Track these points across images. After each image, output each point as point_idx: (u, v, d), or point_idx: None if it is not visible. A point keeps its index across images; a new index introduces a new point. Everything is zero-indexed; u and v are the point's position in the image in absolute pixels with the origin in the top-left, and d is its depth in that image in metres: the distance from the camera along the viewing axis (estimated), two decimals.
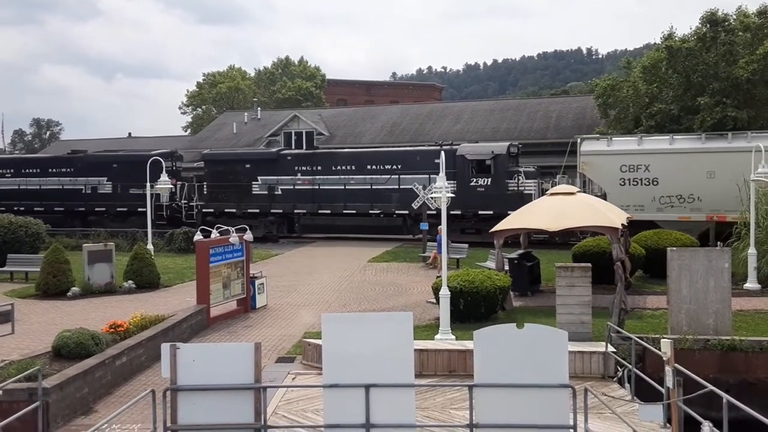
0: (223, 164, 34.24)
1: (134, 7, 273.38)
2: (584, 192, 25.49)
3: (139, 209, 33.34)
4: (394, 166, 30.77)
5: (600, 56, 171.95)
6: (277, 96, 63.77)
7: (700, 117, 28.04)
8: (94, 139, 57.37)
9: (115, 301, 18.47)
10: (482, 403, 7.44)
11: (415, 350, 9.02)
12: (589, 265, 13.49)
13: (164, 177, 23.35)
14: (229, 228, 17.16)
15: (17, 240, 24.14)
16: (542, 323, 9.03)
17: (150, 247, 22.47)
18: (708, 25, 29.44)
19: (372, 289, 19.96)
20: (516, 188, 28.36)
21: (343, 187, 31.32)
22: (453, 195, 28.37)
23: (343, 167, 31.68)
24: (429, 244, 25.02)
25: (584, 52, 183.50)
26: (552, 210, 16.22)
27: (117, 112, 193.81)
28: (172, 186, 34.62)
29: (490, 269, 16.90)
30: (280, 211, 32.50)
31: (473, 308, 14.65)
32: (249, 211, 32.74)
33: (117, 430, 9.76)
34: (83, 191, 36.21)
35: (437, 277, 16.72)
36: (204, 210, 33.96)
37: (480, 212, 28.63)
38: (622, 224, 16.05)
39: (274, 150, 35.28)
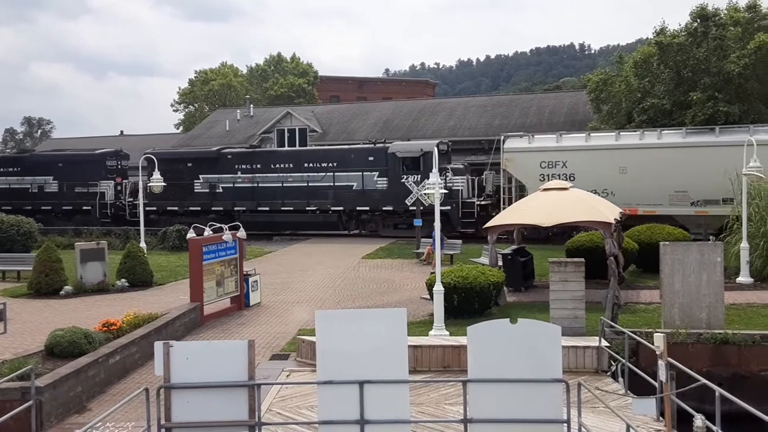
0: (166, 163, 34.43)
1: (124, 4, 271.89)
2: (507, 187, 28.35)
3: (84, 207, 34.98)
4: (330, 164, 31.80)
5: (592, 51, 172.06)
6: (269, 93, 63.58)
7: (692, 112, 28.14)
8: (86, 137, 57.10)
9: (108, 299, 18.41)
10: (476, 399, 7.45)
11: (410, 346, 9.03)
12: (583, 260, 13.54)
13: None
14: (223, 226, 17.13)
15: (9, 239, 24.05)
16: (536, 318, 9.06)
17: (143, 245, 22.42)
18: (698, 20, 29.51)
19: (366, 286, 19.96)
20: (444, 185, 28.88)
21: (281, 185, 32.33)
22: (385, 190, 30.46)
23: (282, 165, 32.70)
24: (423, 240, 25.03)
25: (577, 47, 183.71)
26: (545, 205, 16.25)
27: (109, 111, 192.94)
28: (117, 184, 35.63)
29: (483, 265, 16.92)
30: (221, 208, 32.98)
31: (467, 304, 14.67)
32: (191, 209, 33.46)
33: (111, 428, 9.74)
34: (30, 190, 36.64)
35: (431, 273, 16.73)
36: (147, 208, 34.32)
37: (411, 208, 29.43)
38: (615, 219, 16.09)
39: (214, 149, 35.99)
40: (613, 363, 11.66)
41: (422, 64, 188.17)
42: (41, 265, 19.21)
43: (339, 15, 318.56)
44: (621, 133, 27.46)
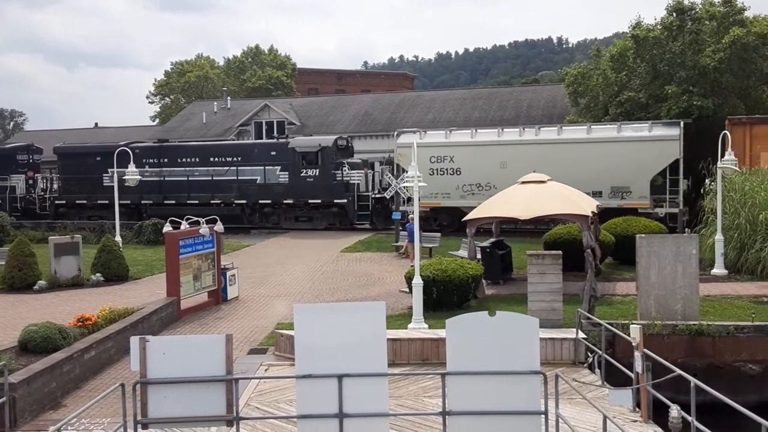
0: (75, 157, 35.83)
1: None
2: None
3: None
4: (234, 159, 32.69)
5: (570, 45, 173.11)
6: (247, 85, 63.06)
7: (666, 105, 28.42)
8: (59, 129, 56.30)
9: (82, 294, 18.18)
10: (455, 391, 7.46)
11: (388, 339, 9.01)
12: (560, 252, 13.61)
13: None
14: (200, 219, 16.98)
15: None
16: (514, 311, 9.10)
17: (118, 239, 22.18)
18: (674, 14, 29.78)
19: (345, 279, 19.92)
20: (341, 178, 30.85)
21: (186, 179, 33.12)
22: (286, 184, 31.35)
23: (188, 160, 33.57)
24: (402, 233, 25.05)
25: (555, 41, 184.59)
26: (524, 198, 16.32)
27: (82, 102, 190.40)
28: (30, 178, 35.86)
29: (462, 258, 16.96)
30: (129, 202, 33.24)
31: (446, 297, 14.70)
32: (99, 202, 33.98)
33: (86, 424, 9.62)
34: None
35: (410, 266, 16.74)
36: (57, 202, 35.73)
37: (310, 201, 31.15)
38: (592, 212, 16.21)
39: (122, 143, 36.03)
40: (590, 354, 11.76)
41: (401, 56, 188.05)
42: (14, 260, 18.91)
43: (314, 6, 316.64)
44: (504, 130, 28.79)
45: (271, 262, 23.39)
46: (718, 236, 17.92)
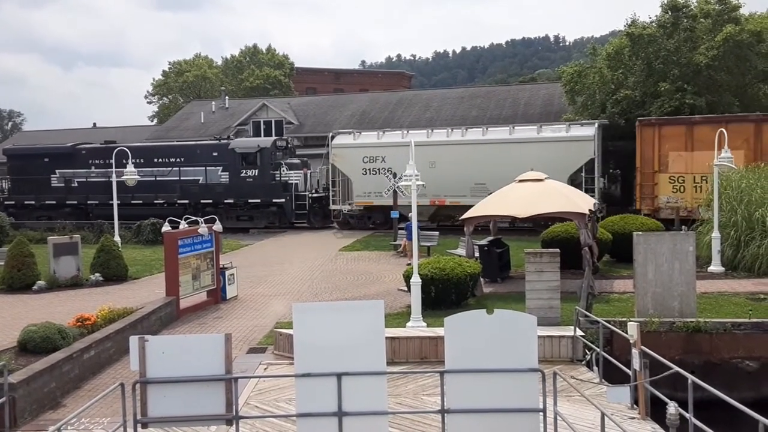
0: (23, 159, 36.54)
1: None
2: (336, 180, 30.66)
3: None
4: (178, 160, 33.30)
5: (567, 43, 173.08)
6: (245, 84, 63.04)
7: (659, 102, 28.48)
8: (57, 129, 56.24)
9: (81, 294, 18.19)
10: (453, 389, 7.50)
11: (387, 338, 9.05)
12: (558, 250, 13.66)
13: None
14: (198, 219, 17.00)
15: None
16: (512, 309, 9.13)
17: (117, 239, 22.17)
18: (669, 12, 29.82)
19: (343, 278, 19.95)
20: (280, 179, 31.64)
21: None
22: (227, 184, 32.16)
23: (133, 160, 33.51)
24: (399, 232, 25.08)
25: (552, 39, 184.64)
26: (521, 197, 16.35)
27: (80, 102, 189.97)
28: None
29: (460, 256, 16.99)
30: (76, 202, 34.42)
31: (444, 295, 14.74)
32: (47, 202, 34.78)
33: (86, 424, 9.64)
34: None
35: (408, 265, 16.77)
36: (6, 202, 36.33)
37: (250, 200, 31.89)
38: (590, 210, 16.25)
39: (69, 145, 37.10)
40: (587, 352, 11.80)
41: (398, 55, 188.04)
42: (13, 260, 18.90)
43: (310, 5, 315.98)
44: (433, 131, 30.02)
45: (270, 262, 23.41)
46: (715, 233, 17.96)
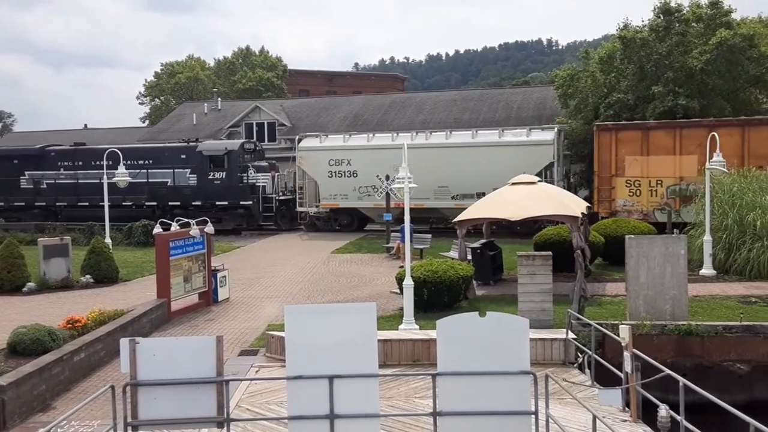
0: None
1: None
2: (303, 182, 31.16)
3: None
4: (146, 162, 33.41)
5: (560, 47, 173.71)
6: (237, 86, 62.92)
7: (652, 105, 28.61)
8: (49, 130, 55.98)
9: (72, 296, 18.09)
10: (445, 392, 7.48)
11: (379, 340, 9.03)
12: (550, 253, 13.66)
13: None
14: (190, 221, 16.93)
15: None
16: (504, 311, 9.13)
17: (108, 240, 22.08)
18: (661, 16, 29.94)
19: (336, 281, 19.91)
20: (247, 181, 31.94)
21: (99, 181, 33.29)
22: (195, 187, 32.36)
23: (101, 162, 33.82)
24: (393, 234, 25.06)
25: (545, 43, 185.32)
26: (514, 199, 16.37)
27: (71, 103, 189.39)
28: None
29: (453, 259, 16.99)
30: (44, 203, 34.47)
31: (437, 298, 14.73)
32: (16, 204, 34.88)
33: (76, 426, 9.57)
34: None
35: (400, 267, 16.75)
36: None
37: (217, 203, 32.00)
38: (582, 213, 16.29)
39: (38, 146, 37.19)
40: (579, 355, 11.82)
41: (392, 58, 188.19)
42: (3, 261, 18.77)
43: (303, 8, 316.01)
44: (398, 134, 30.29)
45: (262, 264, 23.35)
46: (707, 237, 18.04)
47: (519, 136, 28.19)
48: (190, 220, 16.93)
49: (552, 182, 26.41)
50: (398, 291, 15.36)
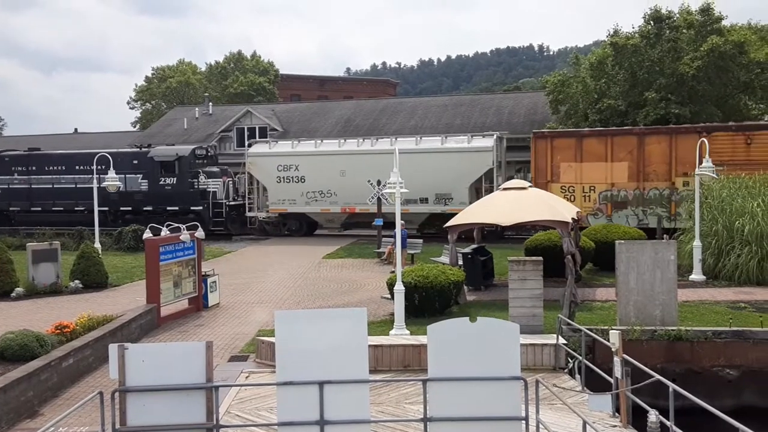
0: None
1: None
2: (252, 188, 31.70)
3: None
4: (99, 167, 32.80)
5: (551, 53, 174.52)
6: (229, 91, 62.82)
7: (644, 112, 28.76)
8: (39, 135, 55.67)
9: (61, 301, 17.97)
10: (436, 397, 7.47)
11: (370, 346, 9.01)
12: (541, 258, 13.69)
13: None
14: (180, 225, 16.86)
15: None
16: (495, 317, 9.13)
17: (97, 245, 21.94)
18: (652, 23, 30.14)
19: (326, 286, 19.87)
20: (198, 186, 32.20)
21: (52, 186, 34.12)
22: (146, 192, 32.53)
23: (55, 168, 34.56)
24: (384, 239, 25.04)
25: (536, 48, 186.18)
26: (505, 205, 16.39)
27: (61, 107, 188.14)
28: None
29: (444, 264, 16.99)
30: None
31: (428, 303, 14.71)
32: None
33: None
34: None
35: (391, 272, 16.73)
36: None
37: (168, 208, 31.83)
38: (573, 218, 16.33)
39: None
40: (570, 360, 11.83)
41: (383, 63, 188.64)
42: None
43: (295, 12, 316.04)
44: (345, 141, 31.19)
45: (253, 269, 23.28)
46: (696, 242, 18.12)
47: (461, 143, 28.88)
48: (180, 225, 16.87)
49: (492, 188, 26.81)
50: (389, 296, 15.35)
